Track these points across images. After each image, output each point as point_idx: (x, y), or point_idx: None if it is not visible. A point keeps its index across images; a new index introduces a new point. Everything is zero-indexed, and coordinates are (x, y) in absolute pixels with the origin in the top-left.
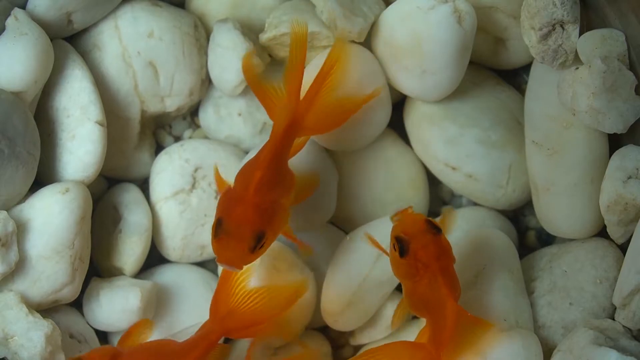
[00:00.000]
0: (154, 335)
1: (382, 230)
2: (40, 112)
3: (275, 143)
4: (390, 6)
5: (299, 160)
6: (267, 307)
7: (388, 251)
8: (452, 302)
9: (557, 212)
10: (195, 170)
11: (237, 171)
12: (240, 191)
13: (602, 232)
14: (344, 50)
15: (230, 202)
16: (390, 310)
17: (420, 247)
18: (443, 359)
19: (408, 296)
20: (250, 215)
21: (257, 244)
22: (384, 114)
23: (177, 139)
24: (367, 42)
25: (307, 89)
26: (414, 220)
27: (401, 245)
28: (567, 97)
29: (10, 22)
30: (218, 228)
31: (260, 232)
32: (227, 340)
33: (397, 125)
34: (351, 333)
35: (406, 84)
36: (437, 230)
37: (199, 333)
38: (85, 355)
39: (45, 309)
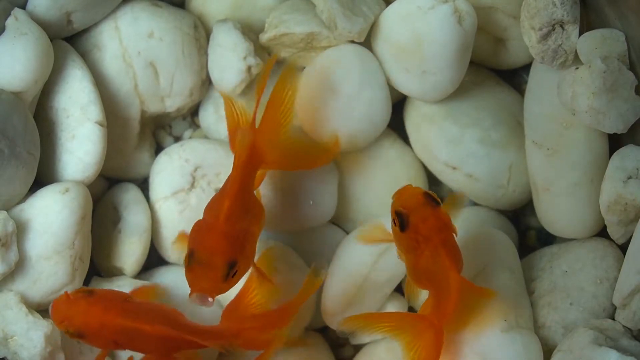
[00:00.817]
0: None
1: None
2: (40, 112)
3: (239, 173)
4: (390, 6)
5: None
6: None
7: (387, 239)
8: (454, 273)
9: (558, 212)
10: (195, 169)
11: (205, 206)
12: (210, 221)
13: (602, 232)
14: (292, 77)
15: (200, 232)
16: (390, 310)
17: (420, 220)
18: (446, 329)
19: (411, 270)
20: (222, 244)
21: (230, 272)
22: (384, 114)
23: (177, 139)
24: (367, 42)
25: (261, 120)
26: (413, 194)
27: (401, 220)
28: (567, 97)
29: (10, 22)
30: (190, 259)
31: (232, 261)
32: None
33: (397, 126)
34: (351, 332)
35: (406, 84)
36: (435, 203)
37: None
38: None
39: (46, 309)
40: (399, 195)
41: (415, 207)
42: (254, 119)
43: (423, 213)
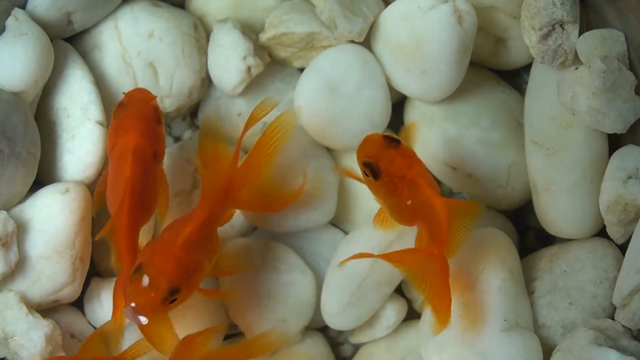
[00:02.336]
0: None
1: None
2: (41, 112)
3: (207, 209)
4: (390, 6)
5: (297, 158)
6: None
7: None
8: (437, 199)
9: (557, 212)
10: (195, 170)
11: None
12: (167, 242)
13: (602, 232)
14: (289, 123)
15: (154, 250)
16: (390, 310)
17: (389, 164)
18: (447, 254)
19: (395, 211)
20: (171, 267)
21: (169, 298)
22: (383, 114)
23: (177, 139)
24: (367, 42)
25: (244, 161)
26: (373, 142)
27: (372, 169)
28: (567, 97)
29: (10, 22)
30: (136, 272)
31: (176, 287)
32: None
33: (397, 126)
34: (350, 331)
35: (406, 84)
36: (397, 142)
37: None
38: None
39: (46, 309)
40: (361, 147)
41: (379, 152)
42: (235, 158)
43: (389, 156)
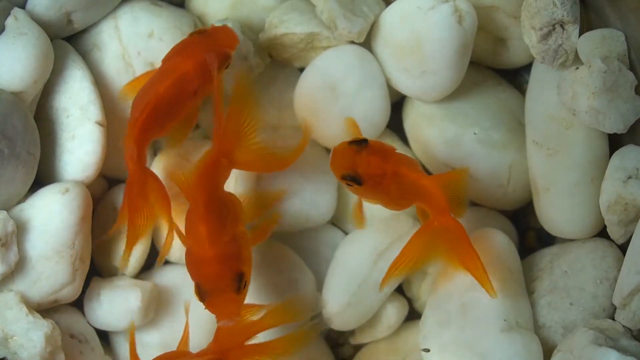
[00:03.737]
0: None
1: (382, 230)
2: (40, 112)
3: (201, 189)
4: (390, 6)
5: (299, 159)
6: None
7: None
8: (424, 180)
9: (558, 212)
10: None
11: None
12: (198, 251)
13: (602, 232)
14: (246, 88)
15: (196, 264)
16: (390, 310)
17: (366, 167)
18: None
19: (391, 205)
20: (219, 268)
21: (240, 285)
22: (383, 114)
23: None
24: (367, 42)
25: (225, 123)
26: (342, 152)
27: (353, 179)
28: (567, 97)
29: (10, 22)
30: (201, 293)
31: (237, 275)
32: None
33: (396, 126)
34: (351, 332)
35: (406, 84)
36: (363, 142)
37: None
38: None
39: (46, 309)
40: (333, 161)
41: (353, 160)
42: (217, 133)
43: (363, 160)
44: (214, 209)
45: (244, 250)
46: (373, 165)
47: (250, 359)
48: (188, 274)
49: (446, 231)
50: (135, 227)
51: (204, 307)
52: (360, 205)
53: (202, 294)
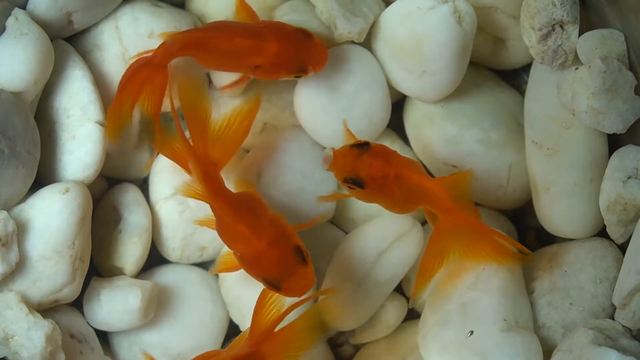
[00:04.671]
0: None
1: (382, 229)
2: (41, 112)
3: (218, 195)
4: (390, 6)
5: (297, 158)
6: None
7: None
8: (428, 182)
9: (557, 212)
10: None
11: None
12: (250, 249)
13: (602, 232)
14: (189, 88)
15: (255, 262)
16: (390, 310)
17: (368, 170)
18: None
19: (396, 208)
20: (276, 252)
21: (303, 255)
22: (383, 114)
23: None
24: (367, 42)
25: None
26: (344, 155)
27: (355, 182)
28: (567, 97)
29: (10, 22)
30: (272, 284)
31: (295, 250)
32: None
33: (396, 126)
34: (351, 332)
35: (406, 84)
36: (365, 145)
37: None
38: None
39: (46, 309)
40: (335, 165)
41: (355, 163)
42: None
43: (365, 162)
44: (238, 206)
45: (286, 226)
46: (375, 168)
47: (282, 346)
48: (253, 278)
49: (458, 228)
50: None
51: (282, 296)
52: (338, 196)
53: (274, 285)
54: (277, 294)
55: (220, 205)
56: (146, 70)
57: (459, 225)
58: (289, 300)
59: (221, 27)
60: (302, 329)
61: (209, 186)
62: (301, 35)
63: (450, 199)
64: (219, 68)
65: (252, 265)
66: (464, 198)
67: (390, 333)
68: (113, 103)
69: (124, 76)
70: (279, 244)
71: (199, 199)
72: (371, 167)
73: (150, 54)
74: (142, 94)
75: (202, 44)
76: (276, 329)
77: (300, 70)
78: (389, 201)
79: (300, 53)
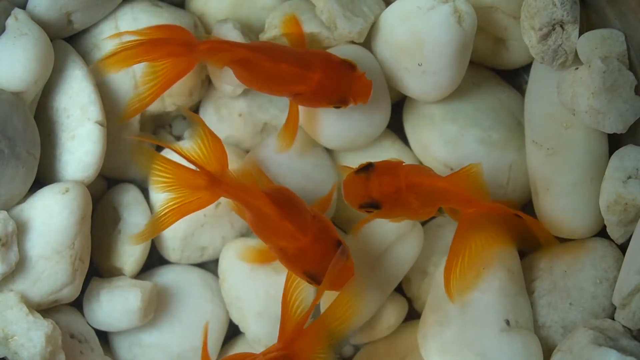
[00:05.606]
0: (156, 335)
1: (382, 229)
2: (41, 112)
3: (255, 194)
4: (390, 6)
5: (297, 158)
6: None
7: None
8: (441, 182)
9: (557, 212)
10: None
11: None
12: (294, 244)
13: (602, 232)
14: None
15: (298, 256)
16: (390, 310)
17: (380, 190)
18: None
19: (418, 216)
20: (319, 246)
21: (344, 249)
22: (383, 114)
23: (178, 138)
24: (367, 42)
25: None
26: (353, 182)
27: (371, 205)
28: (567, 97)
29: (10, 22)
30: (315, 278)
31: (337, 244)
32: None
33: (396, 126)
34: (351, 332)
35: (406, 84)
36: (370, 167)
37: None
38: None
39: (45, 309)
40: (347, 194)
41: (366, 187)
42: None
43: (375, 183)
44: (281, 203)
45: (326, 220)
46: (385, 185)
47: (313, 342)
48: (291, 271)
49: (482, 217)
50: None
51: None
52: (368, 219)
53: (316, 278)
54: (299, 290)
55: (263, 203)
56: (181, 50)
57: (482, 215)
58: (309, 296)
59: (269, 50)
60: (331, 321)
61: (242, 190)
62: (346, 67)
63: (465, 191)
64: (258, 89)
65: (295, 260)
66: (479, 188)
67: (390, 333)
68: (129, 46)
69: (156, 35)
70: (322, 238)
71: (240, 212)
72: (382, 186)
73: (206, 39)
74: (157, 65)
75: (248, 62)
76: (305, 326)
77: (340, 101)
78: (409, 211)
79: (342, 84)
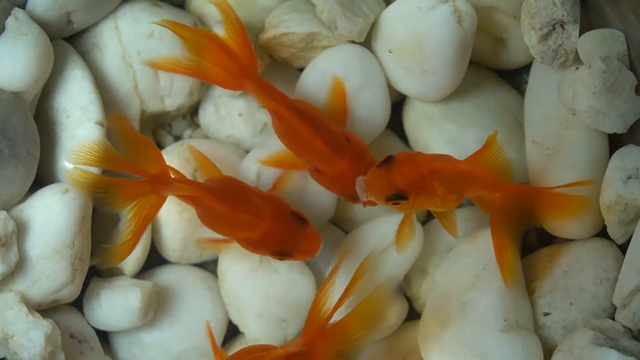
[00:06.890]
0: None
1: (382, 229)
2: (40, 112)
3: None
4: (390, 6)
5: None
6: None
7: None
8: (460, 163)
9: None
10: (195, 169)
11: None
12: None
13: (602, 232)
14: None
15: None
16: (390, 310)
17: (404, 179)
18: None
19: (444, 204)
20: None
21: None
22: (383, 114)
23: (177, 138)
24: (367, 42)
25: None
26: (375, 176)
27: (398, 196)
28: (567, 97)
29: (10, 22)
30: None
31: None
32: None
33: (396, 126)
34: None
35: (406, 84)
36: (389, 159)
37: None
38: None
39: (45, 309)
40: (371, 189)
41: (389, 179)
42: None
43: (397, 173)
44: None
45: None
46: (408, 174)
47: (332, 343)
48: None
49: (512, 200)
50: None
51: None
52: (408, 223)
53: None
54: (332, 290)
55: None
56: (148, 189)
57: (512, 197)
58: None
59: (227, 195)
60: (355, 323)
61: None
62: (296, 220)
63: (489, 174)
64: (209, 227)
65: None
66: (501, 162)
67: (390, 333)
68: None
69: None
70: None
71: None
72: (405, 175)
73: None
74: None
75: (207, 206)
76: (327, 326)
77: (281, 254)
78: (436, 199)
79: (288, 238)
